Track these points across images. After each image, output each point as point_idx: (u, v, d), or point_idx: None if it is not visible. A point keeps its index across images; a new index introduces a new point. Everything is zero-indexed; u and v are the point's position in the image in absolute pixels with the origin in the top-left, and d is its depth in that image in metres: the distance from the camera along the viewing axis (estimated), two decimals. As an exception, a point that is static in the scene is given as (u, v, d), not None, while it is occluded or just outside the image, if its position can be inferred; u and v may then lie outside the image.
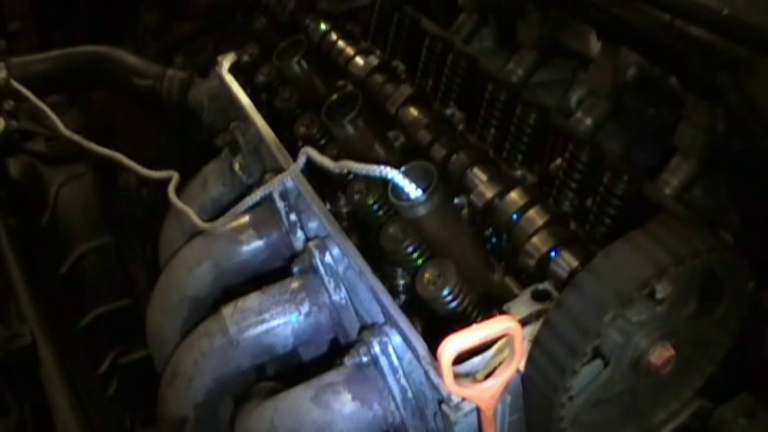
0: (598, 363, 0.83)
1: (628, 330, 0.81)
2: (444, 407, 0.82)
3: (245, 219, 1.24)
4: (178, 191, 1.37)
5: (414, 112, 1.27)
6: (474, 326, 0.74)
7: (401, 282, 1.06)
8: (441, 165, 1.16)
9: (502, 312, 0.89)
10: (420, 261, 0.99)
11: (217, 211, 1.33)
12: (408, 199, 0.92)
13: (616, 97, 1.19)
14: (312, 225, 1.18)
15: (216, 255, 1.23)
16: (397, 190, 0.93)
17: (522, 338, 0.76)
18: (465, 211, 1.11)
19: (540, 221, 1.01)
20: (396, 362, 0.95)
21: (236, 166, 1.36)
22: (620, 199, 1.00)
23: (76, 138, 1.50)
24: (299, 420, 0.97)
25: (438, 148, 1.19)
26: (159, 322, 1.29)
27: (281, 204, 1.19)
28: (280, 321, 1.08)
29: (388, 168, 0.93)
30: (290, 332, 1.09)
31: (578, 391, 0.82)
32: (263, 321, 1.08)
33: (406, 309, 0.94)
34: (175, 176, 1.30)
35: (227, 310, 1.11)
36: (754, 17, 0.87)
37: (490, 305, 0.94)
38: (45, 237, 1.79)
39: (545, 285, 0.92)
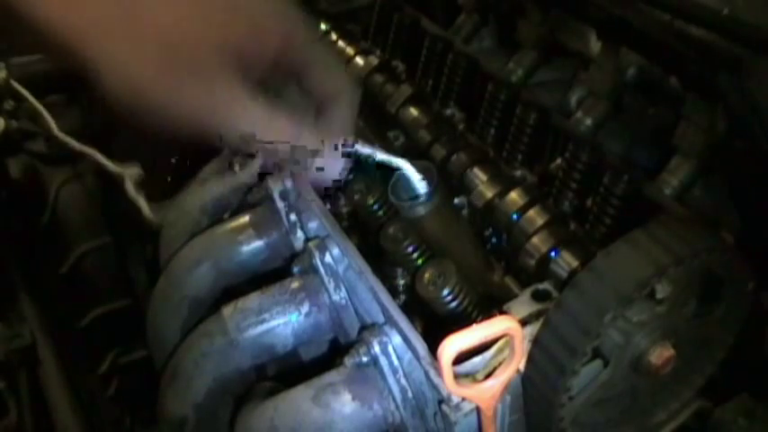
0: (598, 363, 0.83)
1: (628, 330, 0.81)
2: (444, 407, 0.82)
3: (245, 219, 1.24)
4: (178, 191, 1.37)
5: (414, 112, 1.27)
6: (474, 326, 0.74)
7: (401, 282, 1.06)
8: (441, 165, 1.17)
9: (502, 312, 0.88)
10: (420, 261, 0.99)
11: (217, 211, 1.33)
12: (409, 198, 0.92)
13: (616, 97, 1.19)
14: (312, 225, 1.18)
15: (216, 255, 1.23)
16: (398, 189, 0.93)
17: (522, 338, 0.76)
18: (465, 211, 1.11)
19: (540, 221, 1.01)
20: (396, 362, 0.95)
21: (236, 167, 1.36)
22: (620, 199, 1.00)
23: (68, 139, 1.50)
24: (299, 420, 0.97)
25: (438, 148, 1.19)
26: (159, 322, 1.28)
27: (281, 204, 1.19)
28: (280, 321, 1.08)
29: (401, 160, 0.92)
30: (290, 332, 1.09)
31: (578, 391, 0.82)
32: (263, 321, 1.08)
33: (406, 309, 0.94)
34: (136, 170, 1.31)
35: (227, 310, 1.11)
36: (755, 17, 0.87)
37: (490, 305, 0.94)
38: (45, 237, 1.79)
39: (545, 285, 0.92)
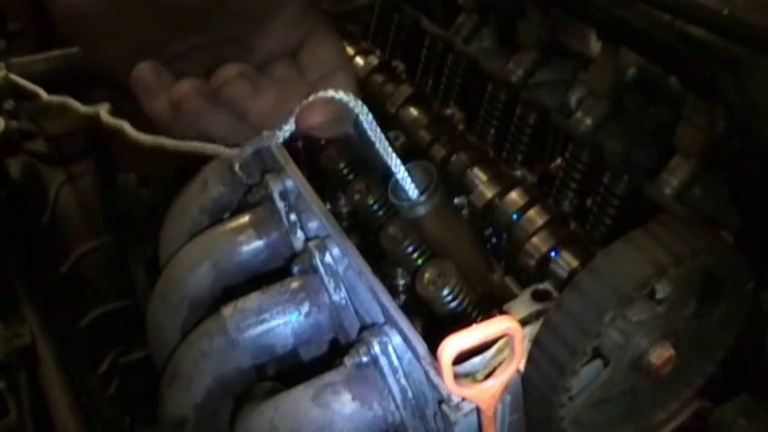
0: (598, 363, 0.83)
1: (628, 330, 0.81)
2: (444, 407, 0.82)
3: (245, 219, 1.24)
4: (178, 190, 1.37)
5: (414, 112, 1.27)
6: (474, 326, 0.74)
7: (401, 282, 1.06)
8: (441, 165, 1.16)
9: (502, 312, 0.89)
10: (420, 261, 0.99)
11: (217, 211, 1.33)
12: (408, 199, 0.92)
13: (616, 97, 1.18)
14: (312, 225, 1.18)
15: (216, 255, 1.23)
16: (398, 189, 0.93)
17: (522, 338, 0.76)
18: (465, 211, 1.11)
19: (540, 221, 1.01)
20: (396, 362, 0.95)
21: (236, 166, 1.36)
22: (620, 199, 1.00)
23: (57, 99, 1.50)
24: (299, 420, 0.97)
25: (438, 148, 1.19)
26: (159, 322, 1.28)
27: (281, 204, 1.19)
28: (280, 321, 1.08)
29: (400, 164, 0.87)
30: (290, 332, 1.09)
31: (578, 391, 0.82)
32: (263, 321, 1.08)
33: (406, 309, 0.94)
34: (105, 105, 1.31)
35: (227, 310, 1.11)
36: (754, 17, 0.87)
37: (490, 305, 0.94)
38: (45, 237, 1.79)
39: (545, 285, 0.92)
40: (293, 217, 1.20)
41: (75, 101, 1.38)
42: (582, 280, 0.78)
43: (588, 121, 1.19)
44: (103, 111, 1.27)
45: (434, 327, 0.93)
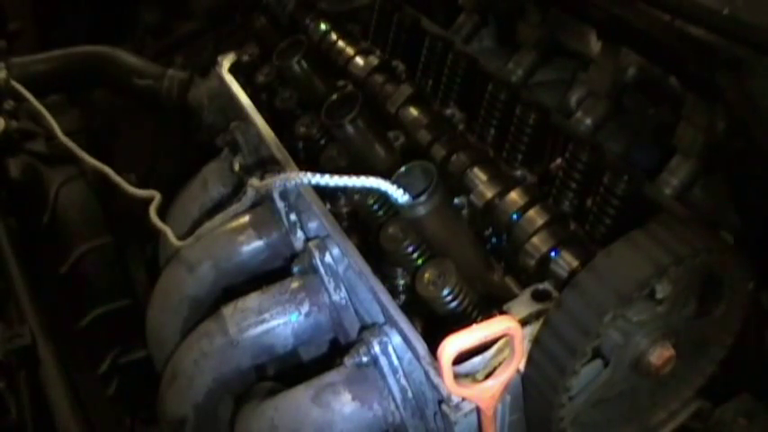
0: (598, 363, 0.83)
1: (628, 330, 0.82)
2: (444, 407, 0.82)
3: (245, 219, 1.24)
4: (178, 192, 1.37)
5: (414, 112, 1.27)
6: (474, 326, 0.74)
7: (401, 282, 1.06)
8: (441, 165, 1.16)
9: (502, 312, 0.89)
10: (420, 261, 0.99)
11: (217, 211, 1.33)
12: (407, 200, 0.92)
13: (616, 97, 1.18)
14: (312, 225, 1.18)
15: (216, 255, 1.23)
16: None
17: (522, 338, 0.76)
18: (465, 211, 1.11)
19: (540, 221, 1.01)
20: (396, 362, 0.95)
21: (236, 166, 1.36)
22: (620, 199, 1.00)
23: (71, 144, 1.50)
24: (299, 420, 0.97)
25: (438, 148, 1.19)
26: (159, 322, 1.29)
27: (280, 204, 1.19)
28: (280, 321, 1.08)
29: (377, 179, 0.90)
30: (290, 332, 1.09)
31: (578, 391, 0.82)
32: (263, 321, 1.08)
33: (406, 309, 0.94)
34: (157, 197, 1.30)
35: (227, 310, 1.11)
36: (754, 17, 0.87)
37: (490, 305, 0.94)
38: (45, 237, 1.79)
39: (545, 285, 0.92)
40: (293, 217, 1.20)
41: (123, 180, 1.37)
42: (582, 280, 0.78)
43: (588, 121, 1.19)
44: (153, 207, 1.27)
45: (434, 327, 0.93)
